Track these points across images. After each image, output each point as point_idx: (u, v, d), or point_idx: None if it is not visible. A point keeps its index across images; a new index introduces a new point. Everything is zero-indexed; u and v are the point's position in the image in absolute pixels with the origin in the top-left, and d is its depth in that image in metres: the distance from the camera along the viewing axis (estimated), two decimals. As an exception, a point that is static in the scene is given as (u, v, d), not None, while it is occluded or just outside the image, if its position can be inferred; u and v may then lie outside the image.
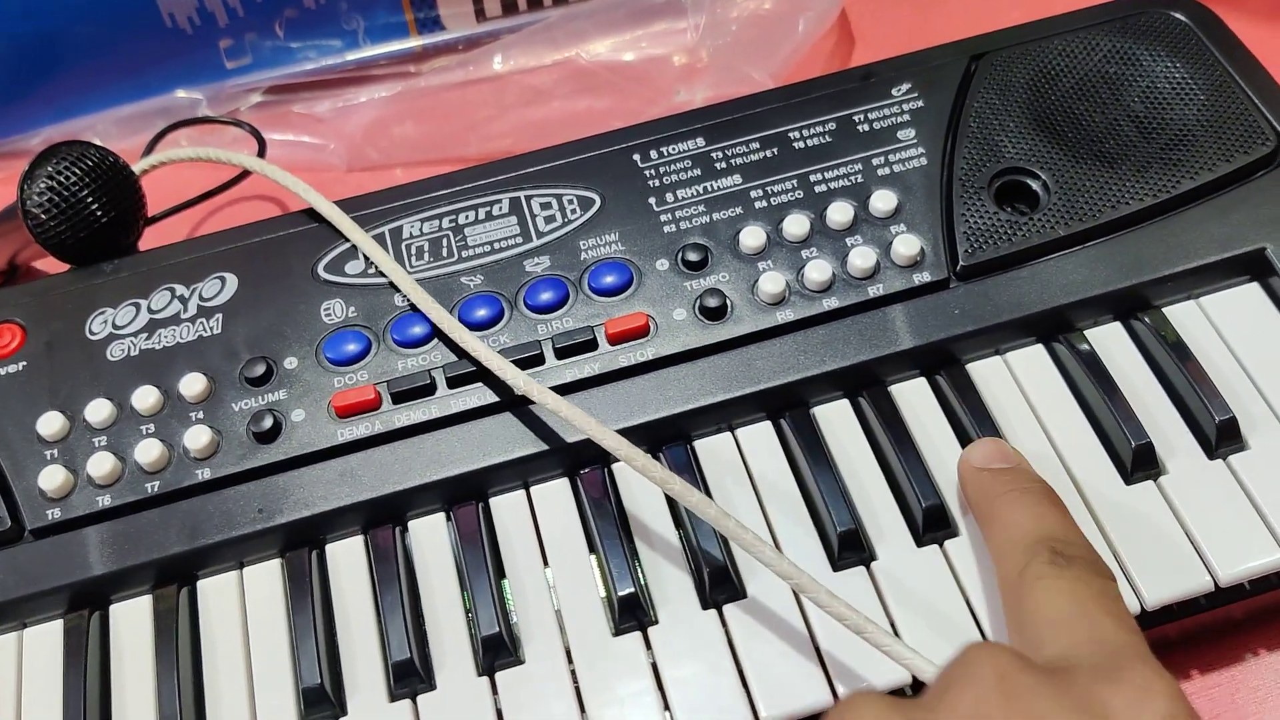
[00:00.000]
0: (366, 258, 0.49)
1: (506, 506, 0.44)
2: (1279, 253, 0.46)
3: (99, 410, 0.45)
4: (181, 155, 0.57)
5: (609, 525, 0.43)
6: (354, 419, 0.45)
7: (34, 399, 0.46)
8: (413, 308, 0.47)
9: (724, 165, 0.50)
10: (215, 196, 0.62)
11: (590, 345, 0.46)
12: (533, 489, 0.45)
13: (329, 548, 0.44)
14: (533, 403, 0.44)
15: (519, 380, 0.43)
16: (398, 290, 0.47)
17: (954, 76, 0.52)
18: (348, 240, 0.49)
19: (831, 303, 0.46)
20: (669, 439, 0.45)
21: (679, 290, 0.47)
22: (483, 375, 0.45)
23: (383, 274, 0.48)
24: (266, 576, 0.43)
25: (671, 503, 0.43)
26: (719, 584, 0.41)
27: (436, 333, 0.46)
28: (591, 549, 0.43)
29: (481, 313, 0.47)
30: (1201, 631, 0.43)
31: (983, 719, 0.29)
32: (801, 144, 0.50)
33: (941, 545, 0.41)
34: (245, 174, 0.62)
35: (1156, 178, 0.48)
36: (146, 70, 0.66)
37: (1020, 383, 0.45)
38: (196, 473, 0.44)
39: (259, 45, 0.67)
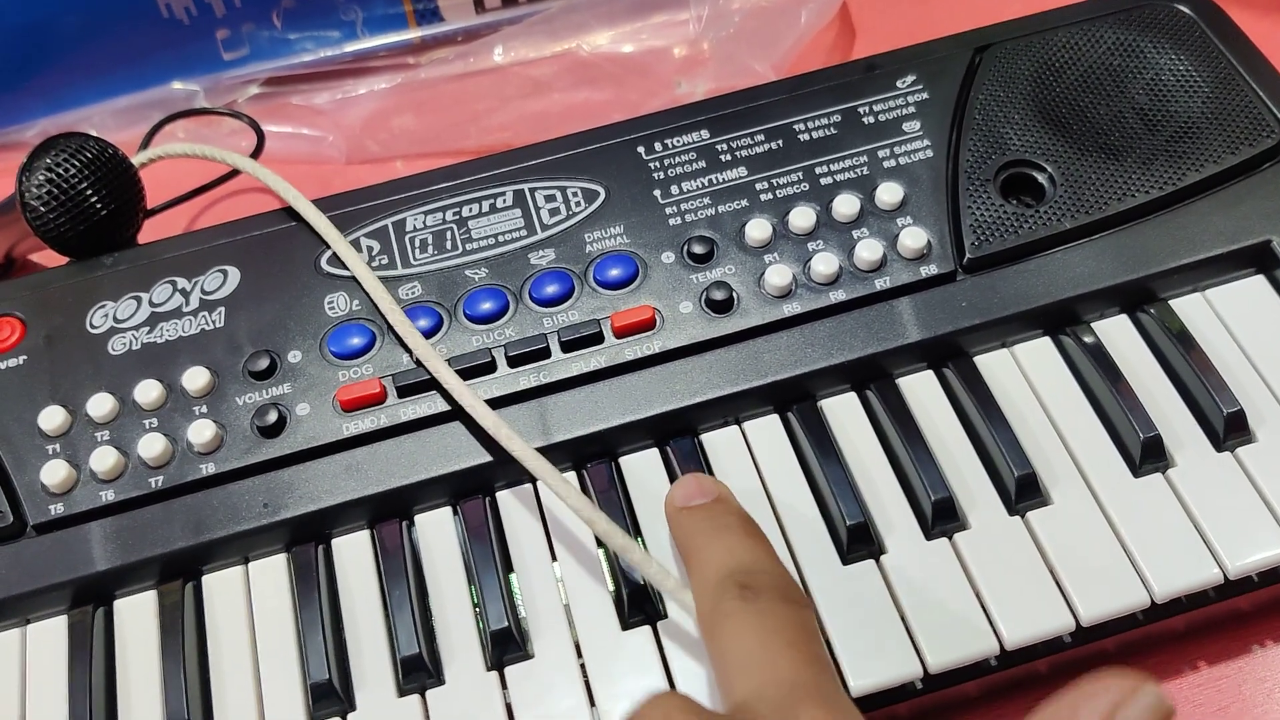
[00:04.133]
0: (369, 250, 0.48)
1: (513, 500, 0.44)
2: (1284, 245, 0.46)
3: (101, 404, 0.45)
4: (175, 151, 0.56)
5: (616, 518, 0.42)
6: (359, 413, 0.44)
7: (35, 393, 0.46)
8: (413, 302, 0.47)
9: (729, 157, 0.50)
10: (215, 189, 0.62)
11: (596, 338, 0.45)
12: (539, 483, 0.44)
13: (335, 542, 0.44)
14: (539, 397, 0.44)
15: (462, 391, 0.42)
16: (402, 283, 0.47)
17: (958, 69, 0.52)
18: (355, 231, 0.49)
19: (838, 295, 0.46)
20: (676, 433, 0.45)
21: (685, 283, 0.46)
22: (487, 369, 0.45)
23: (386, 266, 0.48)
24: (272, 571, 0.43)
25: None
26: (728, 578, 0.41)
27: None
28: (600, 543, 0.43)
29: (486, 306, 0.46)
30: (1209, 623, 0.43)
31: None
32: (806, 136, 0.50)
33: (951, 538, 0.41)
34: (242, 167, 0.62)
35: (1162, 170, 0.48)
36: (143, 61, 0.65)
37: (1027, 375, 0.45)
38: (201, 467, 0.44)
39: (256, 36, 0.66)
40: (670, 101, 0.62)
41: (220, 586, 0.43)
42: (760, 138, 0.50)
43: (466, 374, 0.45)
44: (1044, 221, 0.47)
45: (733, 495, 0.40)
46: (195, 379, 0.45)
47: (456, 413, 0.44)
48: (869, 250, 0.46)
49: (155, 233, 0.53)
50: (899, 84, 0.51)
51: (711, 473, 0.44)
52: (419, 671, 0.40)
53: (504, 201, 0.50)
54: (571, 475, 0.44)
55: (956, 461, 0.43)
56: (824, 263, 0.46)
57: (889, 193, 0.47)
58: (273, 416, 0.44)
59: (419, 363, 0.45)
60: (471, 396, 0.42)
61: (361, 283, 0.47)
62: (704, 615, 0.36)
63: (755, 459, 0.44)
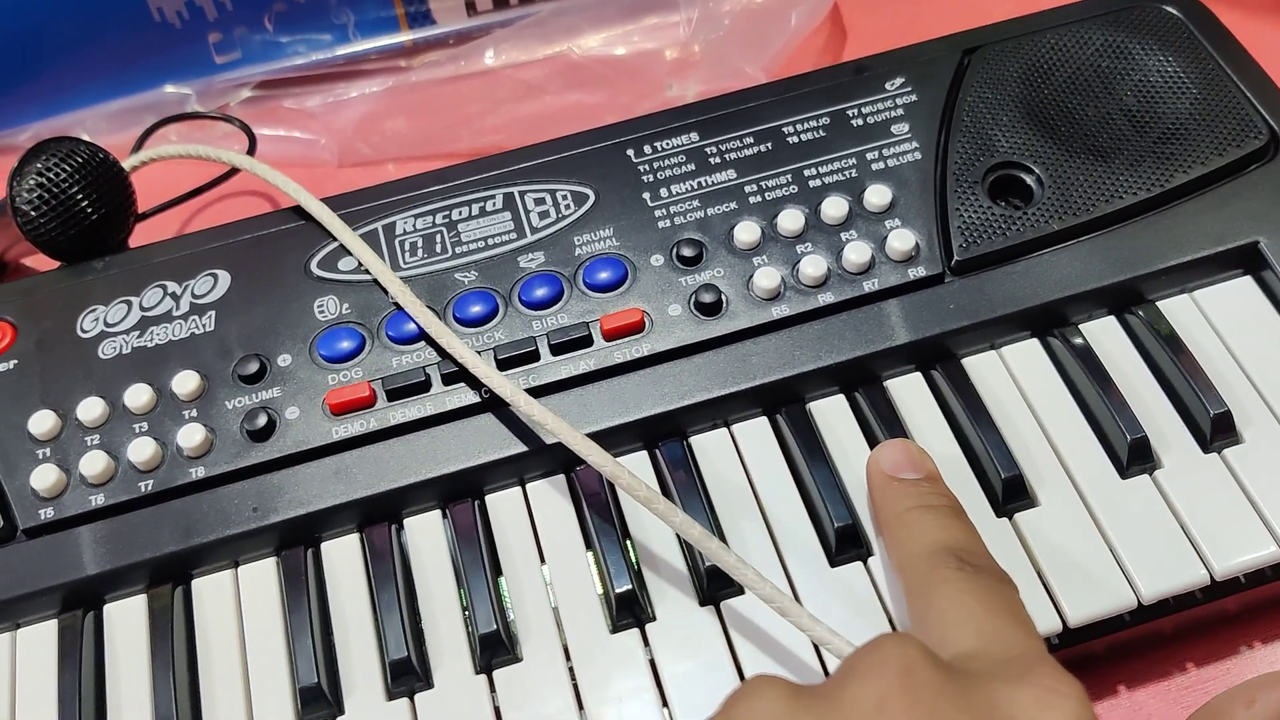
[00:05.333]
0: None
1: (503, 503, 0.44)
2: (1272, 246, 0.46)
3: (91, 409, 0.45)
4: (171, 152, 0.56)
5: (605, 522, 0.43)
6: (348, 416, 0.45)
7: (25, 398, 0.46)
8: (398, 306, 0.47)
9: (718, 160, 0.50)
10: (206, 192, 0.62)
11: (585, 341, 0.45)
12: (529, 486, 0.44)
13: (324, 546, 0.44)
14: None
15: (504, 387, 0.42)
16: (392, 287, 0.47)
17: (947, 70, 0.52)
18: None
19: (827, 298, 0.46)
20: (665, 435, 0.45)
21: (674, 286, 0.47)
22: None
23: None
24: (262, 575, 0.43)
25: (668, 499, 0.43)
26: (717, 580, 0.41)
27: (423, 334, 0.46)
28: (588, 546, 0.43)
29: (476, 309, 0.46)
30: (1196, 625, 0.43)
31: (883, 712, 0.29)
32: (795, 139, 0.50)
33: (938, 540, 0.41)
34: (236, 170, 0.62)
35: (1150, 172, 0.48)
36: (135, 65, 0.66)
37: (1015, 377, 0.45)
38: (190, 471, 0.44)
39: (248, 40, 0.66)
40: (661, 104, 0.63)
41: (210, 590, 0.43)
42: (749, 140, 0.50)
43: (456, 377, 0.45)
44: (1032, 223, 0.47)
45: (940, 474, 0.40)
46: (185, 383, 0.45)
47: (443, 416, 0.44)
48: (857, 252, 0.46)
49: (146, 236, 0.53)
50: (888, 86, 0.51)
51: (700, 475, 0.44)
52: (408, 675, 0.40)
53: (494, 204, 0.50)
54: (561, 478, 0.44)
55: (943, 464, 0.43)
56: (812, 265, 0.46)
57: (877, 195, 0.48)
58: (262, 420, 0.44)
59: (444, 354, 0.45)
60: (521, 396, 0.42)
61: (370, 269, 0.47)
62: (916, 582, 0.36)
63: (744, 461, 0.44)
